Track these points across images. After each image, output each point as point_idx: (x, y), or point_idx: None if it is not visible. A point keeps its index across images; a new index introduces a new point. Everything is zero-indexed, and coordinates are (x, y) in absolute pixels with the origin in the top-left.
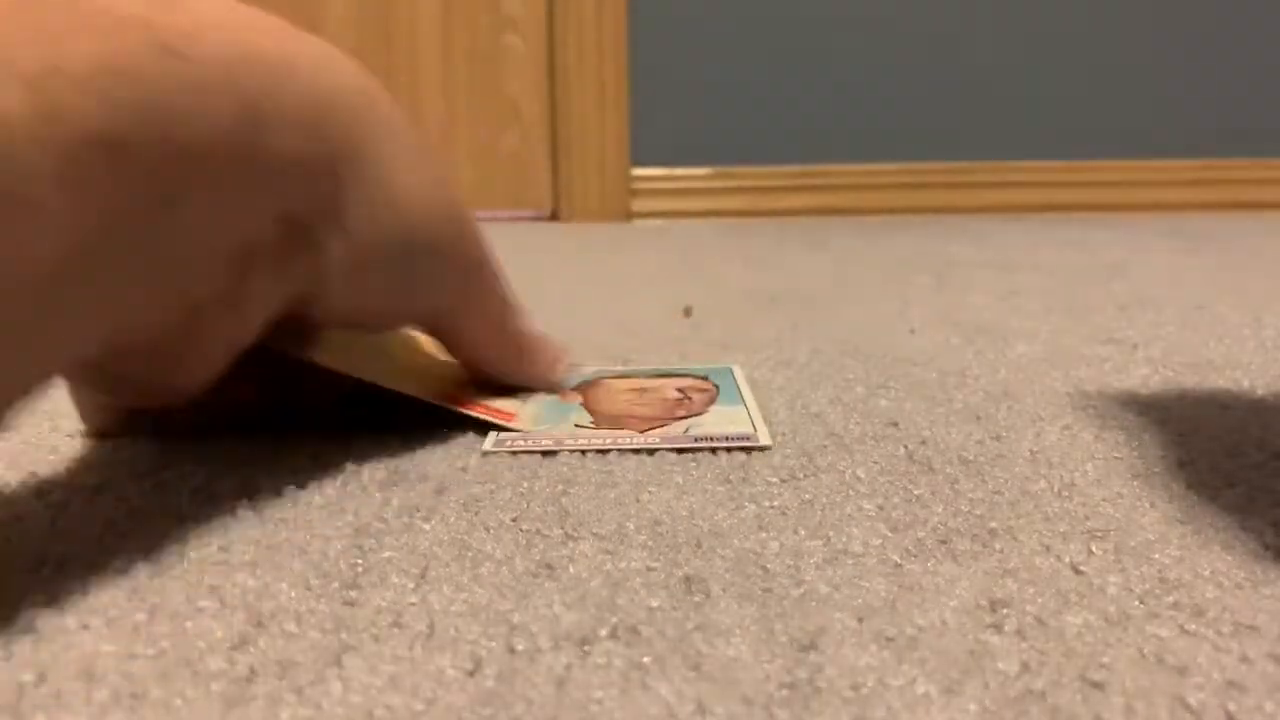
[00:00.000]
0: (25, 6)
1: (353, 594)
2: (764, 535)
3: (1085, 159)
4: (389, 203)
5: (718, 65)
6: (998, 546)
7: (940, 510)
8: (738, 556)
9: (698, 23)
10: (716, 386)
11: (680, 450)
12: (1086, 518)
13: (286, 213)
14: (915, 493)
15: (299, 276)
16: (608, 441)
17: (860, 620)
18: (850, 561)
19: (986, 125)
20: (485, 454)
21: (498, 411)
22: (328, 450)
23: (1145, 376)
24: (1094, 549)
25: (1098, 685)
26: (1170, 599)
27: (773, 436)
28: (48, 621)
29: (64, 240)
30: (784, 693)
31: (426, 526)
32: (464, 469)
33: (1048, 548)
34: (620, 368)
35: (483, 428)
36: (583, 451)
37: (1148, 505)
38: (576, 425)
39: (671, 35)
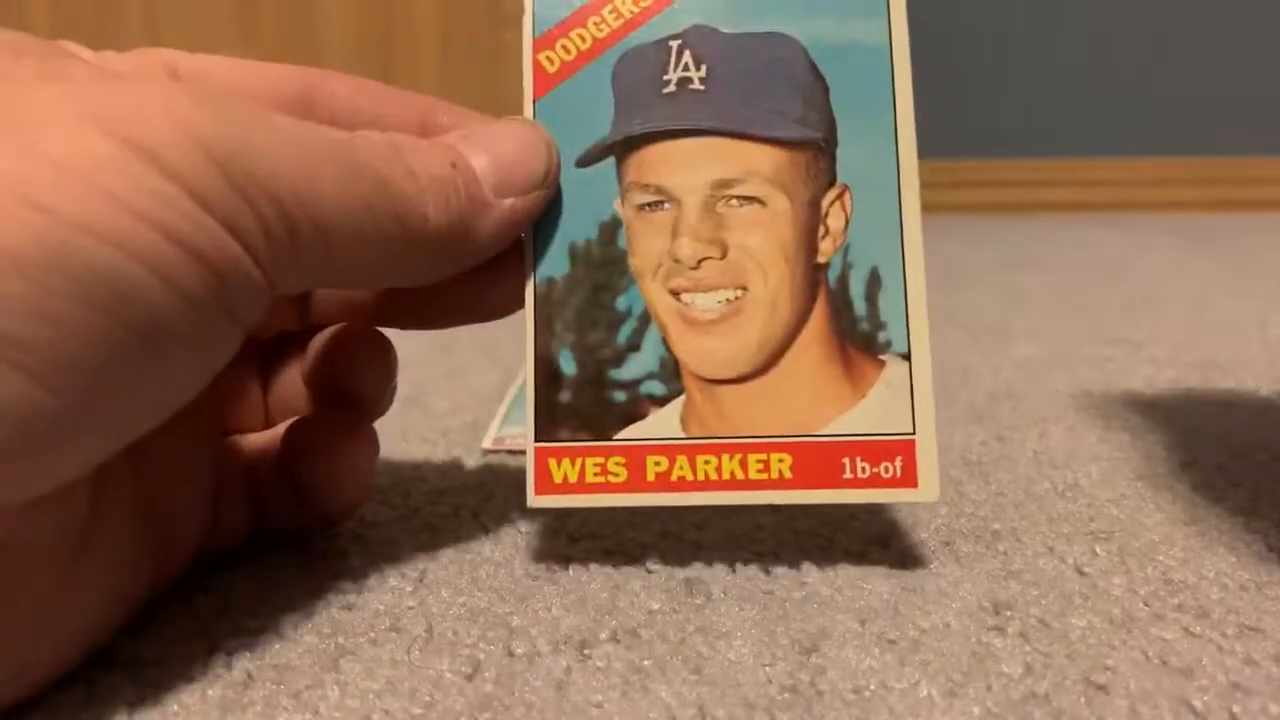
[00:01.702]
0: None
1: (350, 598)
2: (765, 536)
3: (1086, 157)
4: None
5: None
6: (1001, 548)
7: (943, 511)
8: (738, 558)
9: None
10: None
11: None
12: (1090, 519)
13: None
14: None
15: None
16: None
17: (862, 622)
18: (852, 563)
19: (987, 124)
20: (485, 453)
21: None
22: None
23: (1149, 376)
24: (1098, 550)
25: (1102, 688)
26: (1175, 601)
27: None
28: None
29: None
30: (785, 696)
31: (425, 529)
32: (463, 470)
33: (1051, 549)
34: None
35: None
36: None
37: (1152, 506)
38: None
39: None
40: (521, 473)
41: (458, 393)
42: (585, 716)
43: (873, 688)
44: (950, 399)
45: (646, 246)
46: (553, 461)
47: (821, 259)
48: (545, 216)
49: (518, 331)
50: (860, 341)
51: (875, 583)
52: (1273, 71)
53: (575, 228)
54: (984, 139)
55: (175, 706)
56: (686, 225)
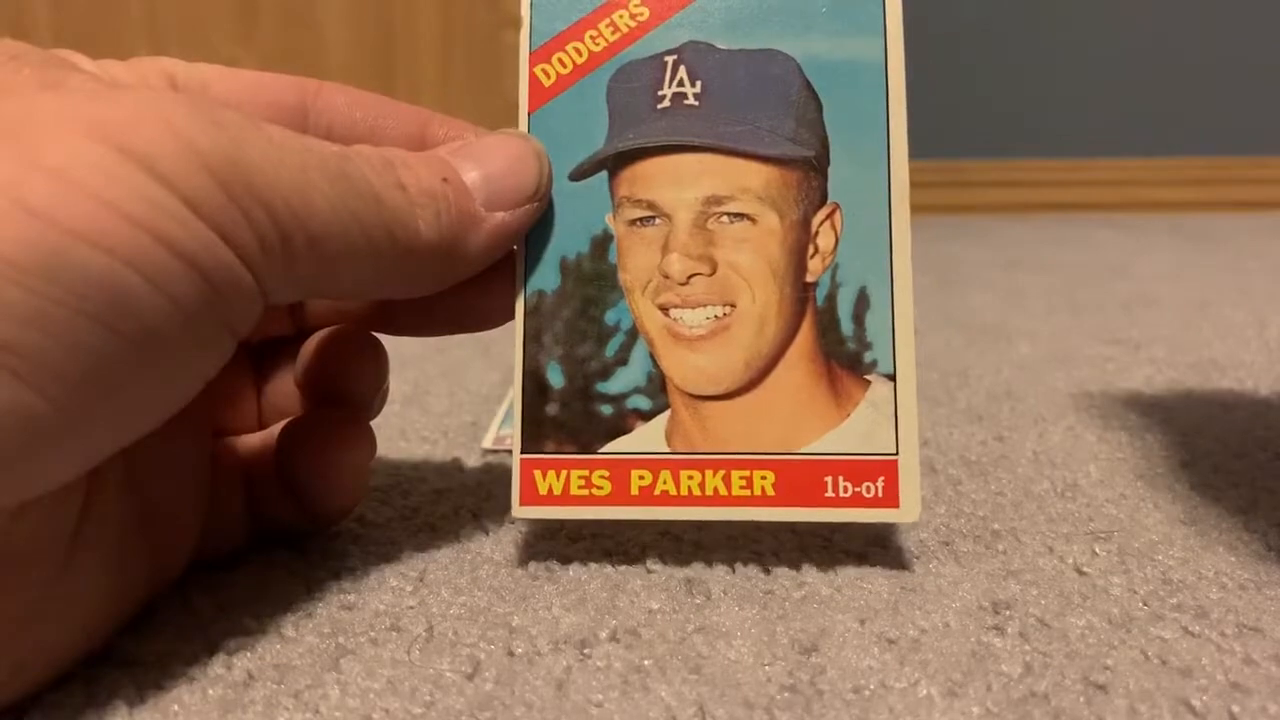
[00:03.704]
0: None
1: (350, 598)
2: (765, 536)
3: (1086, 157)
4: None
5: None
6: (1000, 548)
7: (943, 511)
8: (738, 558)
9: None
10: None
11: None
12: (1090, 519)
13: None
14: None
15: None
16: None
17: (862, 622)
18: (852, 563)
19: (986, 124)
20: (485, 453)
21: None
22: None
23: (1149, 376)
24: (1097, 550)
25: (1101, 687)
26: (1174, 600)
27: None
28: None
29: None
30: (785, 695)
31: (425, 529)
32: (463, 470)
33: (1051, 549)
34: None
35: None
36: None
37: (1151, 506)
38: None
39: None
40: None
41: (457, 392)
42: (585, 716)
43: (872, 687)
44: (950, 399)
45: (637, 261)
46: (538, 473)
47: (810, 278)
48: (537, 229)
49: (513, 338)
50: (846, 361)
51: (875, 583)
52: (1273, 71)
53: (567, 241)
54: (984, 139)
55: (175, 706)
56: (677, 241)
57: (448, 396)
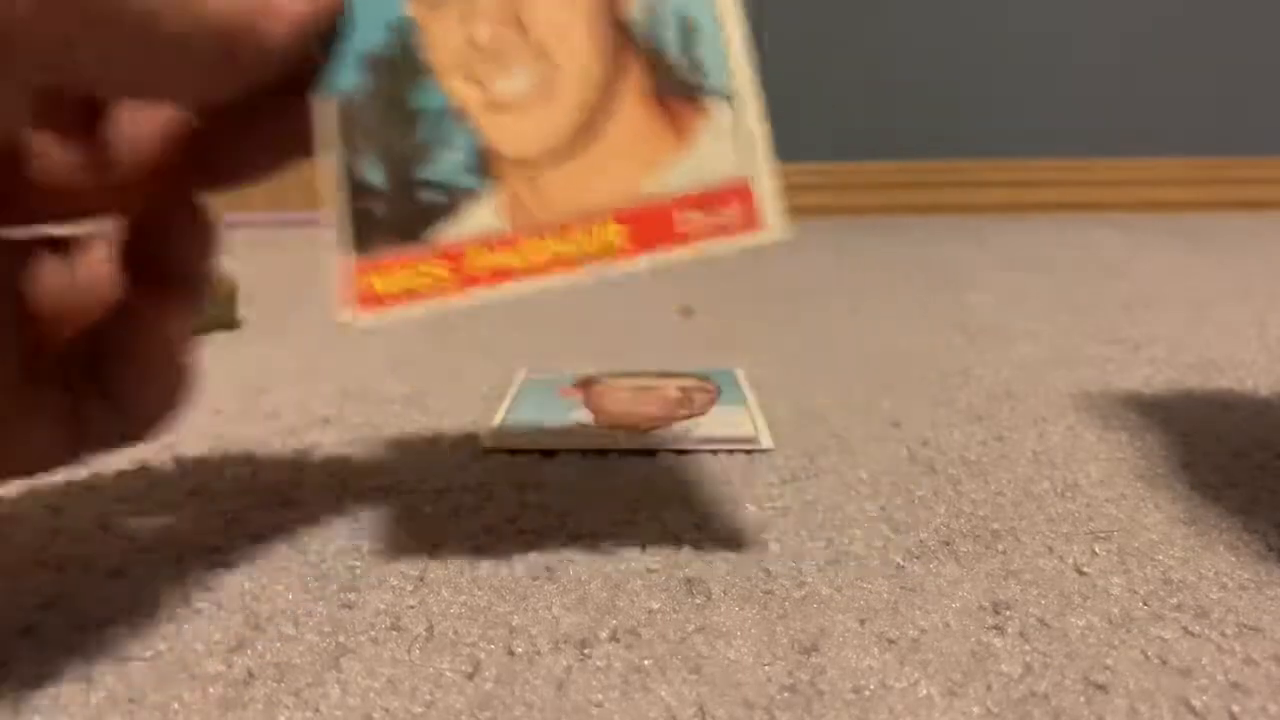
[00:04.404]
0: None
1: (351, 596)
2: (765, 536)
3: (1086, 157)
4: None
5: None
6: (1000, 548)
7: (943, 511)
8: (739, 558)
9: None
10: (718, 387)
11: (681, 451)
12: (1090, 519)
13: None
14: (917, 494)
15: None
16: (607, 442)
17: (862, 622)
18: (852, 563)
19: (986, 124)
20: (485, 452)
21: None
22: (327, 452)
23: (1148, 376)
24: (1097, 550)
25: (1101, 687)
26: (1174, 600)
27: (774, 438)
28: (45, 624)
29: None
30: (785, 695)
31: (425, 528)
32: (463, 469)
33: (1051, 549)
34: (621, 368)
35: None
36: (583, 452)
37: (1151, 506)
38: (578, 424)
39: None
40: (519, 471)
41: (458, 392)
42: (585, 716)
43: (872, 687)
44: (950, 399)
45: (443, 40)
46: (374, 276)
47: (627, 15)
48: (337, 32)
49: (517, 331)
50: (681, 91)
51: (875, 583)
52: (1272, 71)
53: (367, 36)
54: (984, 139)
55: (175, 705)
56: (480, 9)
57: (448, 396)
